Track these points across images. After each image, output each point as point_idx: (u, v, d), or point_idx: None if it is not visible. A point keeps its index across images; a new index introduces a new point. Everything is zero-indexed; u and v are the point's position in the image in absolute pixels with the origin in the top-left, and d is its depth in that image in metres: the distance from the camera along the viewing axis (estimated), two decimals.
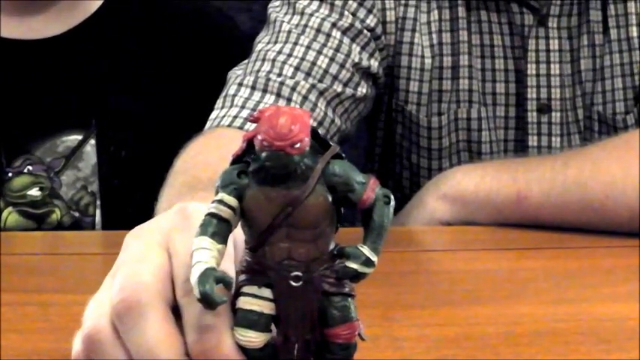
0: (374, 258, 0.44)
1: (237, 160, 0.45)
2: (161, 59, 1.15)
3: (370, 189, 0.44)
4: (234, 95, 0.96)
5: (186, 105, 1.14)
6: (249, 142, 0.44)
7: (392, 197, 0.44)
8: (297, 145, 0.41)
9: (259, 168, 0.43)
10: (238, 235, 0.46)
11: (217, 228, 0.44)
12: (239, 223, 0.45)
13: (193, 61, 1.16)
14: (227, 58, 1.11)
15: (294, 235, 0.43)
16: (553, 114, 1.05)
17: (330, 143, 0.44)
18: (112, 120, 1.11)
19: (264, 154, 0.42)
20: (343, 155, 0.45)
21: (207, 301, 0.42)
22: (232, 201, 0.44)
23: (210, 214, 0.44)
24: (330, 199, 0.44)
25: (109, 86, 1.12)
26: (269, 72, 0.97)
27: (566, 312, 0.67)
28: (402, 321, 0.66)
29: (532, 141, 1.05)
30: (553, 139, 1.05)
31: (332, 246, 0.45)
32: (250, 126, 0.89)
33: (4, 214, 1.07)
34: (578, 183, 0.87)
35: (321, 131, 0.95)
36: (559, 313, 0.67)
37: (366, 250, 0.44)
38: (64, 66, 1.11)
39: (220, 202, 0.44)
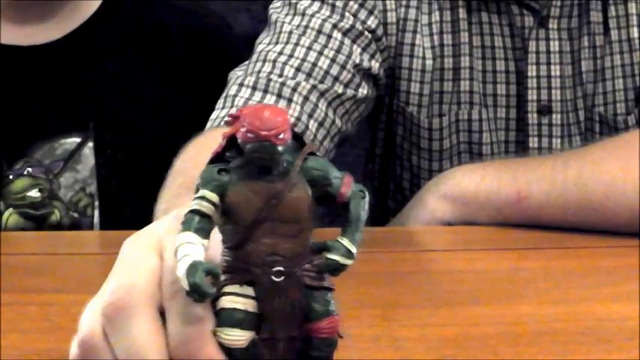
0: (354, 250, 0.45)
1: (216, 159, 0.45)
2: (158, 62, 1.16)
3: (346, 184, 0.45)
4: (235, 95, 0.96)
5: (182, 107, 1.15)
6: (229, 141, 0.44)
7: (367, 192, 0.46)
8: (282, 136, 0.42)
9: (243, 162, 0.44)
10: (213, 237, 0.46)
11: (200, 224, 0.44)
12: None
13: (190, 63, 1.17)
14: (223, 60, 1.12)
15: (279, 229, 0.44)
16: (554, 115, 1.05)
17: (306, 141, 0.45)
18: (109, 123, 1.12)
19: (249, 146, 0.43)
20: (317, 153, 0.46)
21: (198, 292, 0.42)
22: (214, 197, 0.44)
23: (192, 211, 0.44)
24: (311, 192, 0.44)
25: (106, 89, 1.12)
26: (270, 73, 0.97)
27: (566, 312, 0.67)
28: (402, 321, 0.66)
29: (533, 142, 1.05)
30: (554, 140, 1.05)
31: (311, 242, 0.45)
32: None
33: (5, 215, 1.08)
34: (578, 183, 0.87)
35: (321, 132, 0.96)
36: (559, 313, 0.67)
37: (345, 243, 0.44)
38: (62, 70, 1.11)
39: (202, 198, 0.44)
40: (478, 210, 0.91)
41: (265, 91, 0.95)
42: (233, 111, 0.94)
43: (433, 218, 0.93)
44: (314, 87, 0.97)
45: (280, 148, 0.43)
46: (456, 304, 0.69)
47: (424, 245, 0.92)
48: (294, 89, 0.96)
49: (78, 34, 1.12)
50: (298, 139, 0.45)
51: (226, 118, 0.91)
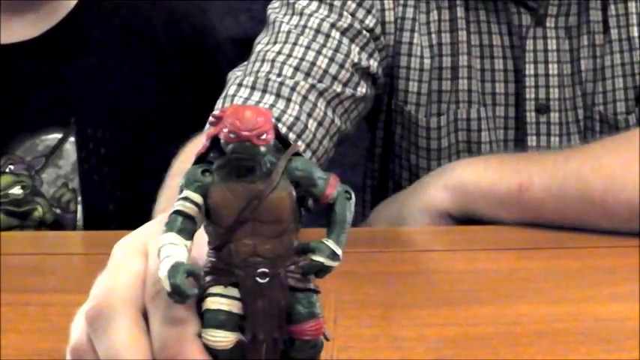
0: (339, 251, 0.45)
1: (200, 159, 0.45)
2: (139, 57, 1.16)
3: (331, 185, 0.45)
4: (234, 95, 0.96)
5: (164, 100, 1.15)
6: (212, 141, 0.44)
7: (352, 193, 0.46)
8: (263, 137, 0.42)
9: (225, 163, 0.44)
10: (198, 237, 0.46)
11: (183, 225, 0.44)
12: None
13: (172, 59, 1.17)
14: (212, 57, 1.14)
15: (260, 230, 0.44)
16: (552, 114, 1.05)
17: (291, 142, 0.45)
18: (91, 117, 1.12)
19: (230, 146, 0.43)
20: (302, 154, 0.46)
21: (178, 294, 0.42)
22: (197, 198, 0.44)
23: (176, 212, 0.44)
24: (294, 193, 0.44)
25: (87, 85, 1.13)
26: (268, 72, 0.97)
27: (566, 312, 0.67)
28: (402, 321, 0.66)
29: (531, 141, 1.05)
30: (552, 139, 1.05)
31: (295, 243, 0.45)
32: None
33: None
34: (578, 177, 0.87)
35: (321, 131, 0.96)
36: (559, 313, 0.67)
37: (330, 244, 0.45)
38: (42, 67, 1.11)
39: (186, 199, 0.44)
40: (479, 200, 0.91)
41: (264, 91, 0.95)
42: None
43: (432, 206, 0.93)
44: (313, 86, 0.97)
45: (262, 149, 0.43)
46: (456, 304, 0.69)
47: (424, 245, 0.92)
48: (292, 88, 0.96)
49: (57, 30, 1.12)
50: (282, 139, 0.45)
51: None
